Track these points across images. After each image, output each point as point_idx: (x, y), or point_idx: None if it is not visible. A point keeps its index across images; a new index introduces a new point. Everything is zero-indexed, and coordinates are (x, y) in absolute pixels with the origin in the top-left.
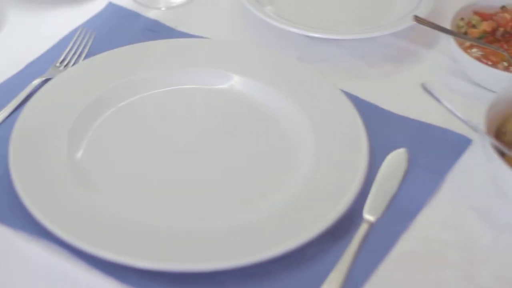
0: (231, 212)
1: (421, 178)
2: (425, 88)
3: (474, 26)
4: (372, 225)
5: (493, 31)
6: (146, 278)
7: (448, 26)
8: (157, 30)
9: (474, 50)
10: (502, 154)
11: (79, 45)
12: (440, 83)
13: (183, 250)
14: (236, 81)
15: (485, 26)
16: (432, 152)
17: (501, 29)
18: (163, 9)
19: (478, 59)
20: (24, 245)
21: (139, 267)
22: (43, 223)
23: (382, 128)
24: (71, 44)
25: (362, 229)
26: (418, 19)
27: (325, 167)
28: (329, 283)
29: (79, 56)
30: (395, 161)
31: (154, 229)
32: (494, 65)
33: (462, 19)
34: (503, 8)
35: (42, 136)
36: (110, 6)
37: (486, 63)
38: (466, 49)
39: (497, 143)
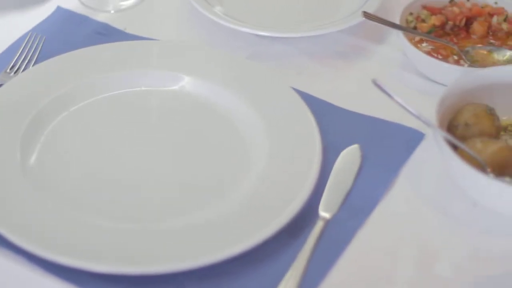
0: (186, 212)
1: (375, 174)
2: (376, 84)
3: (423, 21)
4: (327, 222)
5: (442, 25)
6: (103, 282)
7: (397, 21)
8: (107, 33)
9: (424, 44)
10: (454, 147)
11: (29, 50)
12: (391, 78)
13: (139, 252)
14: (187, 82)
15: (434, 20)
16: (385, 148)
17: (450, 23)
18: (112, 12)
19: (428, 53)
20: None
21: (95, 271)
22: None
23: (335, 125)
24: (20, 49)
25: (318, 226)
26: (367, 15)
27: (279, 165)
28: (286, 281)
29: (29, 61)
30: (349, 157)
31: (109, 232)
32: (445, 59)
33: (411, 13)
34: (452, 2)
35: None
36: (59, 10)
37: (437, 57)
38: (416, 44)
39: (450, 137)
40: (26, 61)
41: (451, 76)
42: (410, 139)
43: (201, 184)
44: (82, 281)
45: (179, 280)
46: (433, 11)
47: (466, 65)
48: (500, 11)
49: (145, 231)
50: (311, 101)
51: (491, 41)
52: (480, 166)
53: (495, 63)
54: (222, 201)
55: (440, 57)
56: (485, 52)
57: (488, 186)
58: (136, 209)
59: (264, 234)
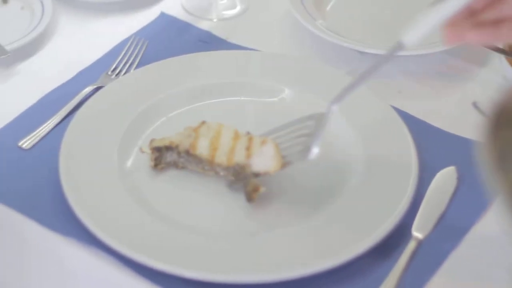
0: (279, 225)
1: (471, 197)
2: (476, 106)
3: None
4: (420, 242)
5: None
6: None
7: (500, 44)
8: (209, 41)
9: None
10: None
11: (131, 54)
12: (491, 102)
13: (230, 261)
14: (286, 94)
15: None
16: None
17: None
18: (215, 20)
19: None
20: (72, 252)
21: (185, 277)
22: (91, 230)
23: (432, 145)
24: (123, 52)
25: (410, 246)
26: None
27: (374, 183)
28: None
29: (131, 65)
30: (445, 178)
31: (201, 240)
32: None
33: None
34: None
35: (93, 144)
36: (163, 16)
37: None
38: None
39: None
40: (128, 64)
41: None
42: None
43: (294, 197)
44: (172, 286)
45: None
46: None
47: None
48: None
49: (239, 242)
50: (409, 120)
51: None
52: None
53: None
54: (314, 215)
55: None
56: None
57: None
58: (231, 221)
59: (355, 251)
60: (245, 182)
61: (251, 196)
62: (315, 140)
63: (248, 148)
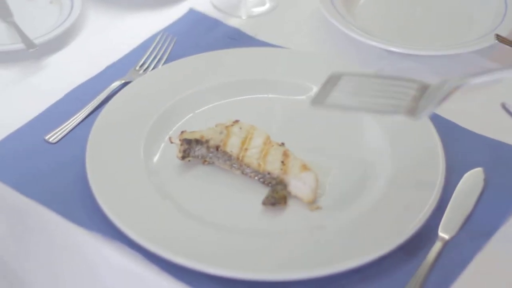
0: (307, 225)
1: (498, 198)
2: (505, 108)
3: None
4: (446, 243)
5: None
6: (216, 285)
7: None
8: (237, 38)
9: None
10: None
11: (159, 50)
12: None
13: (256, 259)
14: (314, 93)
15: None
16: (509, 172)
17: None
18: (243, 17)
19: None
20: (97, 246)
21: (210, 274)
22: (117, 225)
23: (460, 146)
24: (151, 48)
25: (436, 246)
26: (499, 38)
27: (401, 182)
28: None
29: (159, 60)
30: (472, 180)
31: (225, 237)
32: None
33: None
34: None
35: (120, 138)
36: (191, 13)
37: None
38: None
39: None
40: (156, 60)
41: None
42: None
43: (320, 197)
44: (197, 283)
45: None
46: None
47: None
48: None
49: (264, 240)
50: (437, 120)
51: None
52: None
53: None
54: (341, 214)
55: None
56: None
57: None
58: (258, 219)
59: (383, 250)
60: (274, 188)
61: (277, 202)
62: (431, 106)
63: (284, 163)
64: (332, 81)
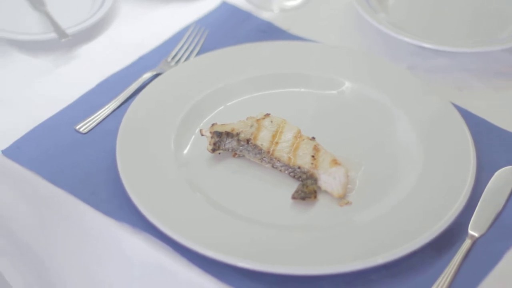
0: (336, 221)
1: None
2: None
3: None
4: (475, 241)
5: None
6: (245, 279)
7: None
8: (269, 32)
9: None
10: None
11: (191, 42)
12: None
13: (285, 253)
14: (346, 88)
15: None
16: None
17: None
18: (276, 11)
19: None
20: (127, 237)
21: (239, 267)
22: (147, 217)
23: (491, 144)
24: (183, 40)
25: (466, 244)
26: None
27: (432, 179)
28: None
29: (191, 52)
30: (503, 178)
31: (256, 231)
32: None
33: None
34: None
35: (150, 130)
36: (224, 5)
37: None
38: None
39: None
40: (188, 52)
41: None
42: None
43: (351, 193)
44: (225, 275)
45: (320, 285)
46: None
47: None
48: None
49: (292, 236)
50: (468, 117)
51: None
52: None
53: None
54: (371, 210)
55: None
56: None
57: None
58: (286, 214)
59: (412, 246)
60: (305, 183)
61: (307, 196)
62: None
63: (315, 158)
64: None
